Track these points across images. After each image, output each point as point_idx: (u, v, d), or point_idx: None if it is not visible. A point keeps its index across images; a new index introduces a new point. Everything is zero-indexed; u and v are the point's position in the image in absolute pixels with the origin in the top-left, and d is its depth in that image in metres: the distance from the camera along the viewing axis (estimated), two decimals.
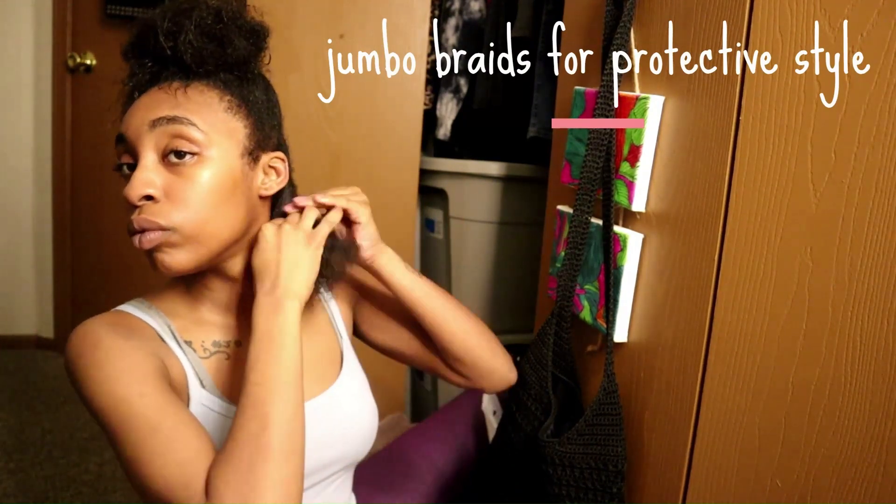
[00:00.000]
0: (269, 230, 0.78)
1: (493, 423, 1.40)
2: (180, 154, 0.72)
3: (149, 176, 0.72)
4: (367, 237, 0.87)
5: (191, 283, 0.81)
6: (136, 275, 2.78)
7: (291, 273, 0.75)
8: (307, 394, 0.82)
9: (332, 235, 0.83)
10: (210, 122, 0.74)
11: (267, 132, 0.80)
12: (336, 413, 0.85)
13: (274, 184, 0.81)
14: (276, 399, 0.68)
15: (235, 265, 0.80)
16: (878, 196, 0.64)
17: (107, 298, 2.77)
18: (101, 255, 2.79)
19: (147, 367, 0.70)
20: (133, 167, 0.74)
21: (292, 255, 0.76)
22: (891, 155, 0.63)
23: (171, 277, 0.83)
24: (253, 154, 0.78)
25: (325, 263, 0.81)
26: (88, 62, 2.64)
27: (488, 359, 0.93)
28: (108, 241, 2.77)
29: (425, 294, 0.90)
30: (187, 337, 0.79)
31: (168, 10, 0.75)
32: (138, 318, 0.78)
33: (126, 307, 0.79)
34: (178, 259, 0.73)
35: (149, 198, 0.71)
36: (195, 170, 0.73)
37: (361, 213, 0.85)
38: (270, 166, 0.81)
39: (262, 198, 0.81)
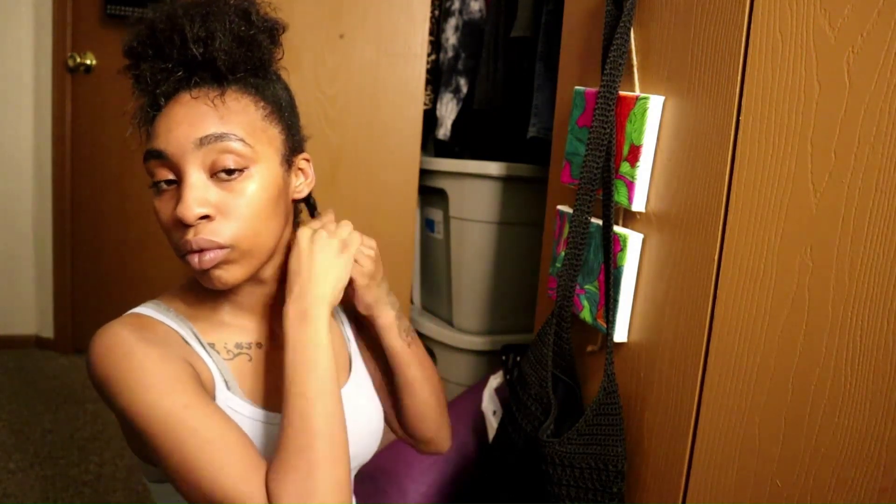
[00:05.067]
0: (304, 236, 0.78)
1: (493, 423, 1.40)
2: (230, 171, 0.71)
3: (202, 194, 0.70)
4: (368, 294, 0.87)
5: None
6: (135, 274, 2.78)
7: (322, 279, 0.76)
8: None
9: None
10: (253, 134, 0.73)
11: (295, 134, 0.81)
12: (348, 414, 0.85)
13: (304, 186, 0.82)
14: (319, 409, 0.69)
15: (268, 269, 0.80)
16: (878, 196, 0.64)
17: (107, 298, 2.79)
18: (101, 255, 2.79)
19: (183, 375, 0.70)
20: (171, 183, 0.72)
21: (325, 261, 0.76)
22: (891, 155, 0.63)
23: (184, 279, 0.84)
24: (289, 159, 0.79)
25: None
26: (88, 62, 2.64)
27: (433, 431, 0.96)
28: (107, 241, 2.77)
29: (403, 363, 0.91)
30: (209, 339, 0.79)
31: (195, 13, 0.72)
32: (160, 321, 0.76)
33: (144, 310, 0.77)
34: (234, 274, 0.73)
35: (203, 216, 0.70)
36: (245, 184, 0.72)
37: (365, 270, 0.86)
38: (299, 168, 0.82)
39: (295, 201, 0.82)
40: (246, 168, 0.72)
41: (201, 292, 0.81)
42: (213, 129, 0.71)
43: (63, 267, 2.81)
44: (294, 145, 0.80)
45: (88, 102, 2.68)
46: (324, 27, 1.76)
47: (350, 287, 0.86)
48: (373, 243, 0.86)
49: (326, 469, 0.67)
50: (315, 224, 0.82)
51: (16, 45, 2.69)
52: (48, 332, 2.88)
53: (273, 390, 0.81)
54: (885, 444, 0.65)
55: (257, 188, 0.73)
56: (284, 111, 0.79)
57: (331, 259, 0.77)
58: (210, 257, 0.70)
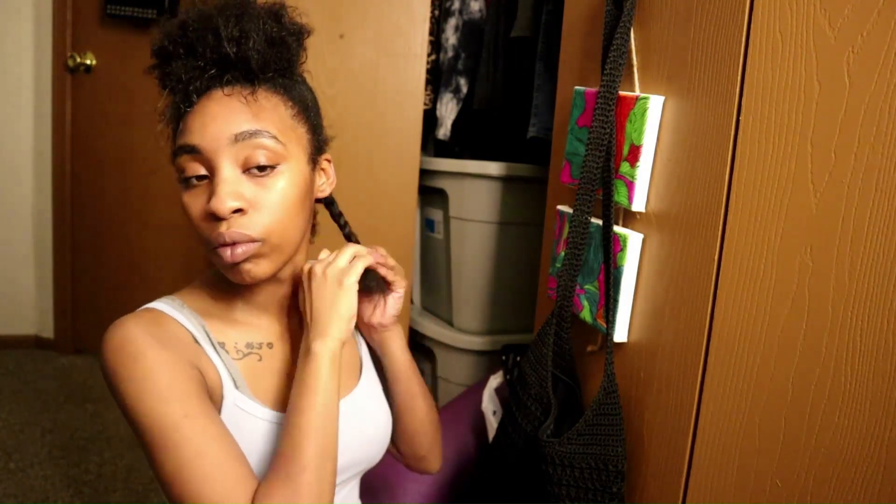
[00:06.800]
0: (304, 273, 0.80)
1: (493, 423, 1.40)
2: (262, 167, 0.73)
3: (235, 189, 0.72)
4: (396, 309, 0.91)
5: (229, 283, 0.80)
6: (135, 274, 2.78)
7: (324, 316, 0.77)
8: None
9: (368, 271, 0.85)
10: (284, 132, 0.75)
11: (319, 135, 0.83)
12: (357, 418, 0.86)
13: (327, 185, 0.85)
14: (312, 442, 0.71)
15: (287, 268, 0.81)
16: (878, 196, 0.64)
17: (107, 298, 2.79)
18: (101, 255, 2.79)
19: (189, 383, 0.71)
20: (202, 178, 0.73)
21: (327, 296, 0.77)
22: (891, 155, 0.63)
23: (200, 275, 0.85)
24: (314, 159, 0.81)
25: (367, 290, 0.86)
26: (88, 62, 2.64)
27: (427, 448, 0.97)
28: (107, 240, 2.77)
29: (408, 378, 0.93)
30: (221, 338, 0.79)
31: (230, 14, 0.73)
32: (173, 318, 0.77)
33: (159, 305, 0.78)
34: (264, 268, 0.74)
35: (236, 210, 0.72)
36: (276, 180, 0.74)
37: (400, 284, 0.90)
38: (321, 168, 0.84)
39: (317, 200, 0.84)
40: (277, 165, 0.74)
41: (216, 290, 0.82)
42: (247, 125, 0.72)
43: (63, 267, 2.81)
44: (319, 145, 0.82)
45: (88, 102, 2.68)
46: (324, 27, 1.76)
47: (367, 316, 0.90)
48: (404, 283, 0.89)
49: (310, 500, 0.69)
50: (315, 260, 0.83)
51: (16, 45, 2.69)
52: (48, 332, 2.88)
53: (282, 391, 0.82)
54: (885, 444, 0.65)
55: (287, 184, 0.74)
56: (310, 112, 0.81)
57: (332, 292, 0.77)
58: (242, 250, 0.72)
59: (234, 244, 0.72)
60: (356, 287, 0.78)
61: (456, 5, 1.89)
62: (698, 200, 0.80)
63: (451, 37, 1.90)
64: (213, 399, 0.75)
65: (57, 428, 2.25)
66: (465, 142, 1.93)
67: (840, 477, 0.68)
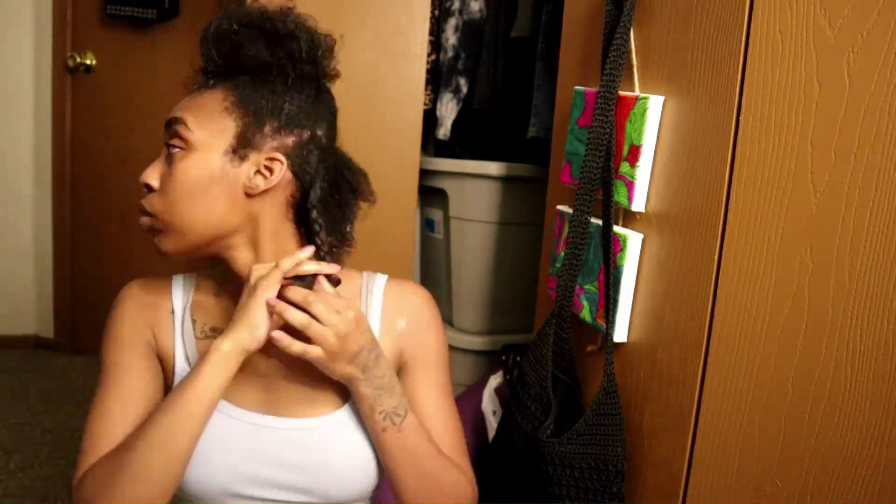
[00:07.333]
0: None
1: (493, 423, 1.40)
2: (172, 149, 0.80)
3: (153, 169, 0.81)
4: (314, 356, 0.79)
5: (223, 268, 0.86)
6: (135, 274, 2.77)
7: (235, 318, 0.78)
8: (286, 410, 0.84)
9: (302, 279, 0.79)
10: (201, 121, 0.79)
11: (266, 132, 0.80)
12: (324, 443, 0.83)
13: (262, 183, 0.79)
14: (149, 428, 0.76)
15: (238, 260, 0.82)
16: (878, 196, 0.64)
17: (107, 298, 2.77)
18: (101, 255, 2.79)
19: (136, 339, 0.84)
20: None
21: (243, 300, 0.79)
22: (891, 155, 0.63)
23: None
24: (239, 152, 0.79)
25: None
26: (88, 62, 2.63)
27: None
28: (108, 240, 2.77)
29: (380, 450, 0.82)
30: (197, 315, 0.87)
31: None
32: (170, 288, 0.88)
33: (178, 276, 0.90)
34: (165, 244, 0.81)
35: (148, 186, 0.80)
36: (178, 164, 0.79)
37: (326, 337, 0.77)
38: (266, 167, 0.80)
39: (251, 196, 0.79)
40: (183, 150, 0.79)
41: (225, 274, 0.85)
42: (174, 113, 0.80)
43: (63, 267, 2.81)
44: (254, 141, 0.79)
45: (88, 102, 2.68)
46: (324, 27, 1.76)
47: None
48: (342, 317, 0.77)
49: (125, 480, 0.74)
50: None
51: (16, 45, 2.69)
52: (48, 332, 2.88)
53: (236, 383, 0.80)
54: (885, 444, 0.65)
55: (185, 170, 0.78)
56: (255, 108, 0.79)
57: (244, 302, 0.78)
58: (142, 221, 0.81)
59: (142, 213, 0.81)
60: (258, 306, 0.76)
61: (456, 5, 1.89)
62: (698, 200, 0.80)
63: (451, 37, 1.90)
64: (165, 367, 0.86)
65: (57, 428, 2.25)
66: (465, 142, 1.92)
67: (840, 477, 0.68)
